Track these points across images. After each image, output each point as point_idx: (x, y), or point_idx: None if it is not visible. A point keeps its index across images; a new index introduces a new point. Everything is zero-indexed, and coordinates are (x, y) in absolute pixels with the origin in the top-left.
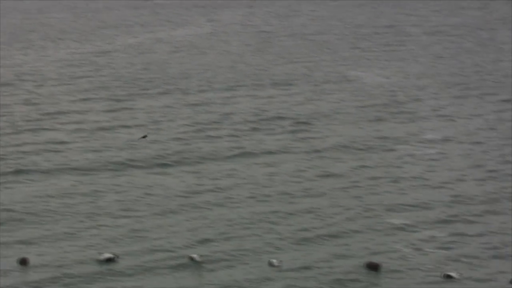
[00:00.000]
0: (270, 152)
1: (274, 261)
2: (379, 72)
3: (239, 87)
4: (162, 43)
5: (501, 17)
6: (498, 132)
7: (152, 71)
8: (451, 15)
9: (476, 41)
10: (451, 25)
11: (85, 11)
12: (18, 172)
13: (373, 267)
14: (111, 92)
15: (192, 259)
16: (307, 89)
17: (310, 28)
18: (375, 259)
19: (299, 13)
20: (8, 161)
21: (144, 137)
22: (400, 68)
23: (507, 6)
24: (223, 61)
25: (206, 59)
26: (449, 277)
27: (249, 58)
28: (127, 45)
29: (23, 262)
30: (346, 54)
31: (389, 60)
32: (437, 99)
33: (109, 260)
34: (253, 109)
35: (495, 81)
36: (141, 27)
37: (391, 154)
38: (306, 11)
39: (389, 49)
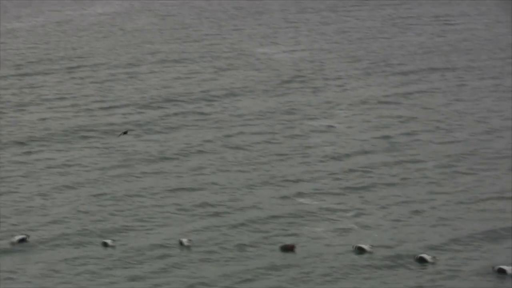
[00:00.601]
0: (176, 128)
1: (185, 240)
2: (284, 48)
3: (145, 64)
4: (69, 23)
5: None
6: (402, 104)
7: (59, 50)
8: None
9: (381, 17)
10: (353, 2)
11: None
12: None
13: (288, 249)
14: (17, 71)
15: (106, 244)
16: (213, 66)
17: (215, 7)
18: (288, 240)
19: None
20: None
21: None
22: (306, 44)
23: None
24: (130, 40)
25: (113, 37)
26: (360, 249)
27: (156, 36)
28: (34, 24)
29: None
30: (252, 31)
31: (294, 36)
32: (342, 73)
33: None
34: (159, 85)
35: (400, 55)
36: (49, 6)
37: (298, 127)
38: None
39: (294, 26)
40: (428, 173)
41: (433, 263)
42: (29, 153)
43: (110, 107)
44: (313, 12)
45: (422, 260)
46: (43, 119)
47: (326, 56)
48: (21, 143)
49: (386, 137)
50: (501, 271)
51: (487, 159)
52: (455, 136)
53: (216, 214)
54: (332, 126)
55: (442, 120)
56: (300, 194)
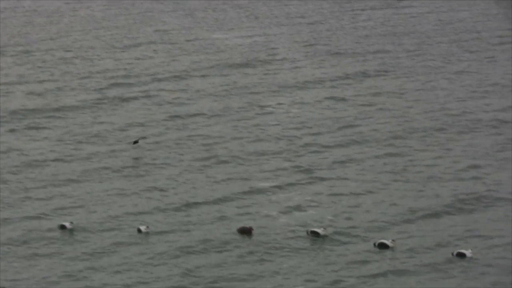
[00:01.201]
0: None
1: (143, 227)
2: (238, 34)
3: (102, 48)
4: (27, 11)
5: None
6: (351, 85)
7: (14, 35)
8: None
9: (334, 4)
10: None
11: None
12: None
13: (246, 232)
14: None
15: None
16: (167, 49)
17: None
18: (246, 223)
19: None
20: None
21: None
22: (260, 30)
23: None
24: (87, 25)
25: (72, 24)
26: (314, 233)
27: (113, 22)
28: None
29: None
30: (208, 18)
31: (251, 25)
32: (294, 57)
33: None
34: (114, 68)
35: (351, 40)
36: None
37: (250, 107)
38: None
39: (249, 13)
40: (378, 152)
41: (392, 247)
42: None
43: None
44: (266, 0)
45: (382, 246)
46: None
47: (279, 41)
48: None
49: (337, 118)
50: (460, 255)
51: (436, 137)
52: (404, 116)
53: (169, 196)
54: (282, 105)
55: (389, 101)
56: (253, 175)
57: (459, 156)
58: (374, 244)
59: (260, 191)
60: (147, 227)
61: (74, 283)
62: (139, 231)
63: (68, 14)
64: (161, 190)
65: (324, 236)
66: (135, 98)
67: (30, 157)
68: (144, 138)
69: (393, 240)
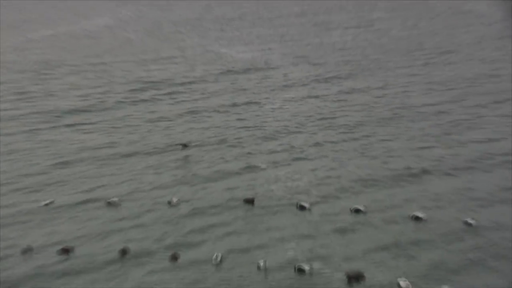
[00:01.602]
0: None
1: (174, 199)
2: (241, 49)
3: (132, 62)
4: (74, 34)
5: (336, 4)
6: (328, 86)
7: (68, 53)
8: (294, 5)
9: (315, 23)
10: (294, 12)
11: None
12: None
13: (249, 201)
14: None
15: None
16: (183, 61)
17: (185, 17)
18: (250, 195)
19: (175, 7)
20: None
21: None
22: (258, 46)
23: None
24: (123, 43)
25: (111, 44)
26: (302, 207)
27: (141, 40)
28: (48, 35)
29: None
30: (214, 35)
31: (251, 42)
32: (286, 67)
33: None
34: (146, 75)
35: (328, 52)
36: (57, 21)
37: (251, 102)
38: (180, 6)
39: (248, 32)
40: (349, 136)
41: (365, 212)
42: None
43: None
44: (261, 22)
45: (357, 211)
46: None
47: (273, 53)
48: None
49: (318, 110)
50: (417, 218)
51: (394, 125)
52: (369, 109)
53: (192, 171)
54: (275, 101)
55: (358, 97)
56: (254, 155)
57: (411, 138)
58: (350, 210)
59: (258, 167)
60: (178, 199)
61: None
62: (170, 203)
63: (108, 36)
64: (186, 166)
65: (309, 210)
66: (162, 99)
67: (84, 144)
68: (188, 145)
69: (365, 206)
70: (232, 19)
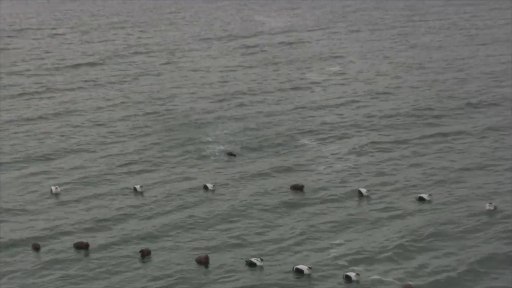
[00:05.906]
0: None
1: (209, 185)
2: (279, 18)
3: (140, 53)
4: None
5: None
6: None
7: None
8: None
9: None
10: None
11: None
12: None
13: (298, 188)
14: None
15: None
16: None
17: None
18: (297, 181)
19: None
20: None
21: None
22: (295, 17)
23: None
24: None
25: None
26: (360, 193)
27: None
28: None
29: None
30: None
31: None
32: (323, 41)
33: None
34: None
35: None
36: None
37: (296, 82)
38: None
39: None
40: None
41: (367, 196)
42: None
43: None
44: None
45: (360, 194)
46: None
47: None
48: None
49: (371, 90)
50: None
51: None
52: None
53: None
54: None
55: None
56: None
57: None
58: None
59: (308, 149)
60: (213, 185)
61: None
62: (206, 187)
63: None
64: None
65: (367, 197)
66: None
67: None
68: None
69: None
70: None
